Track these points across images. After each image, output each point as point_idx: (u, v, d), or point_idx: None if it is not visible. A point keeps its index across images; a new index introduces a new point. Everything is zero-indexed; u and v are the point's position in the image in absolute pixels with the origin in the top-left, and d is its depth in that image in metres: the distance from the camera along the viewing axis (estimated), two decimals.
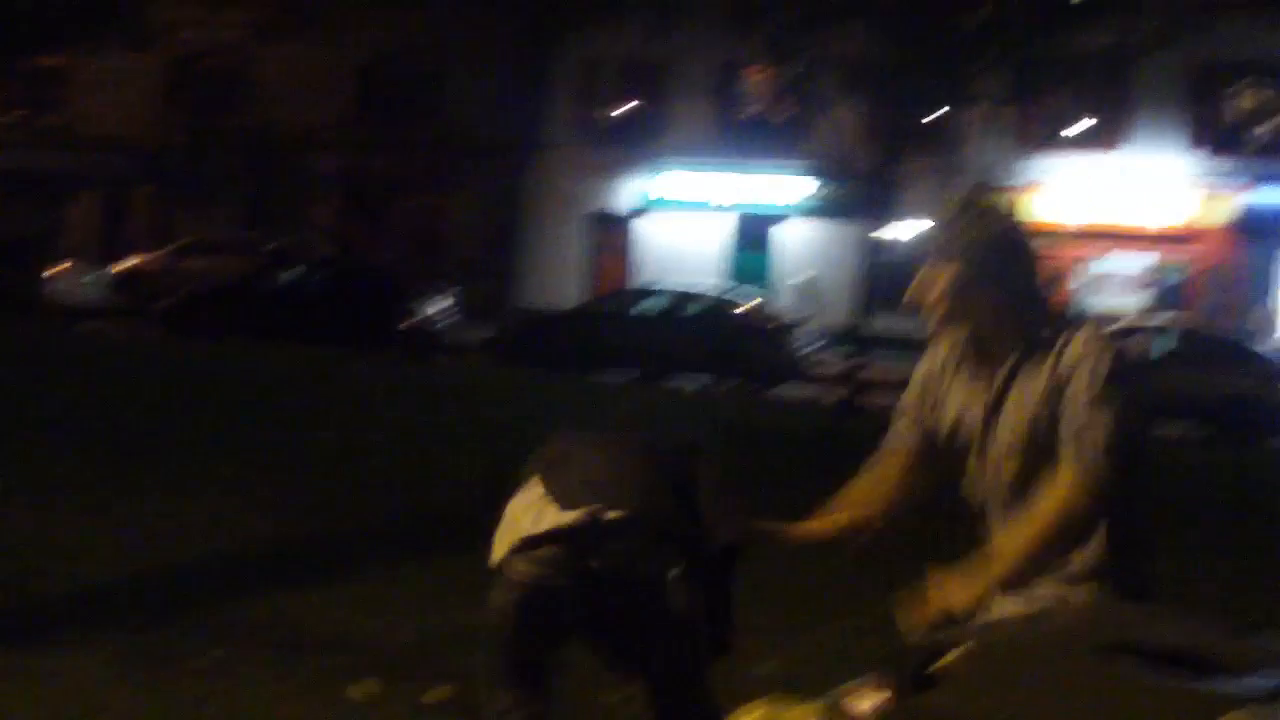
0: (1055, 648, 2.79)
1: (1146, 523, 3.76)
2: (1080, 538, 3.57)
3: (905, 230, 33.86)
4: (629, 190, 39.31)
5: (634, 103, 39.65)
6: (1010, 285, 3.68)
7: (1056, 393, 3.62)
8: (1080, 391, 3.59)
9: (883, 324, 31.29)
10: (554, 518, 3.87)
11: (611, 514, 3.82)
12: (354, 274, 29.60)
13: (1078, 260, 34.03)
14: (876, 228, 25.56)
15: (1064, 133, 35.61)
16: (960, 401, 3.82)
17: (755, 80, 37.17)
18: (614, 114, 39.98)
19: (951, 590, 3.46)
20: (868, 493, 4.02)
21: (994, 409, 3.73)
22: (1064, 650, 2.78)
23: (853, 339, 24.40)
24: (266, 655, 6.36)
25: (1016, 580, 3.50)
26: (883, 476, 4.03)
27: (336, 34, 38.57)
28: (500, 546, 4.00)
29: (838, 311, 30.05)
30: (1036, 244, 3.76)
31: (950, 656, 2.77)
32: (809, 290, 36.23)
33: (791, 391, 24.78)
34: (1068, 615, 3.13)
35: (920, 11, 22.13)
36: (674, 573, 3.84)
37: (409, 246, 38.81)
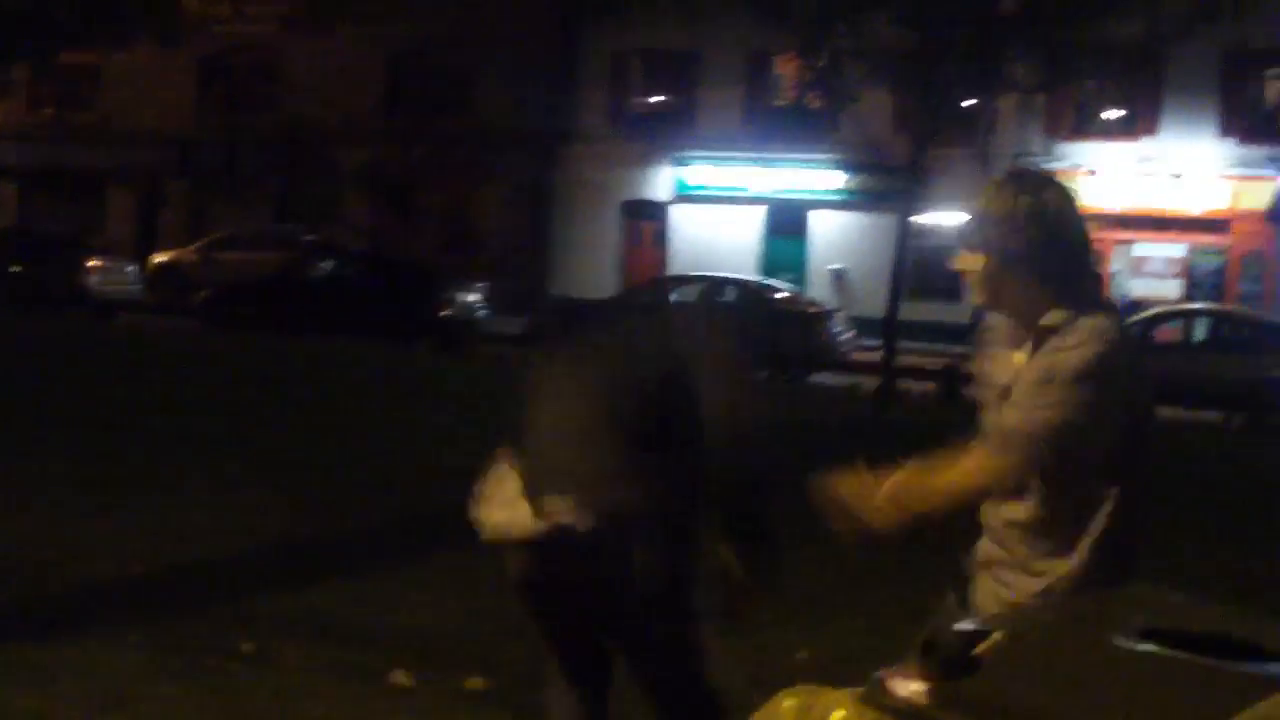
0: (1092, 632, 2.80)
1: (1131, 531, 3.68)
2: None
3: (939, 218, 33.82)
4: (661, 180, 39.32)
5: (664, 94, 39.67)
6: (1043, 271, 3.60)
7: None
8: (1034, 382, 3.55)
9: (917, 312, 31.30)
10: (524, 524, 3.92)
11: (578, 524, 3.84)
12: (388, 266, 29.67)
13: (1113, 246, 33.90)
14: (909, 216, 25.50)
15: (1096, 120, 35.47)
16: (988, 390, 3.79)
17: (785, 69, 37.10)
18: (645, 104, 40.00)
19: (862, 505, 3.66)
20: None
21: (1002, 401, 3.68)
22: (1101, 634, 2.79)
23: (887, 327, 24.35)
24: (300, 647, 6.38)
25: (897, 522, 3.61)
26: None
27: (366, 27, 38.69)
28: (486, 525, 4.07)
29: (872, 300, 29.99)
30: (1078, 224, 3.68)
31: (988, 642, 2.78)
32: (839, 280, 36.21)
33: (827, 380, 24.78)
34: (1102, 600, 3.14)
35: None
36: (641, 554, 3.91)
37: (439, 239, 38.88)
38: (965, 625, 2.85)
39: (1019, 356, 3.68)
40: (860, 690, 2.76)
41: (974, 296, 3.75)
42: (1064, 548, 3.59)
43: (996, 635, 2.79)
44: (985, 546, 3.76)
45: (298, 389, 16.45)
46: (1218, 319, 26.08)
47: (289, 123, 39.72)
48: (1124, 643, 2.75)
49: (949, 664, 2.72)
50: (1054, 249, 3.60)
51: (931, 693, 2.68)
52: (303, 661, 6.23)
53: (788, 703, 2.81)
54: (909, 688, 2.71)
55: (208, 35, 38.60)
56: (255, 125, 40.44)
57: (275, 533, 8.81)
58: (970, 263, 3.67)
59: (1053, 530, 3.60)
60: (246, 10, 41.23)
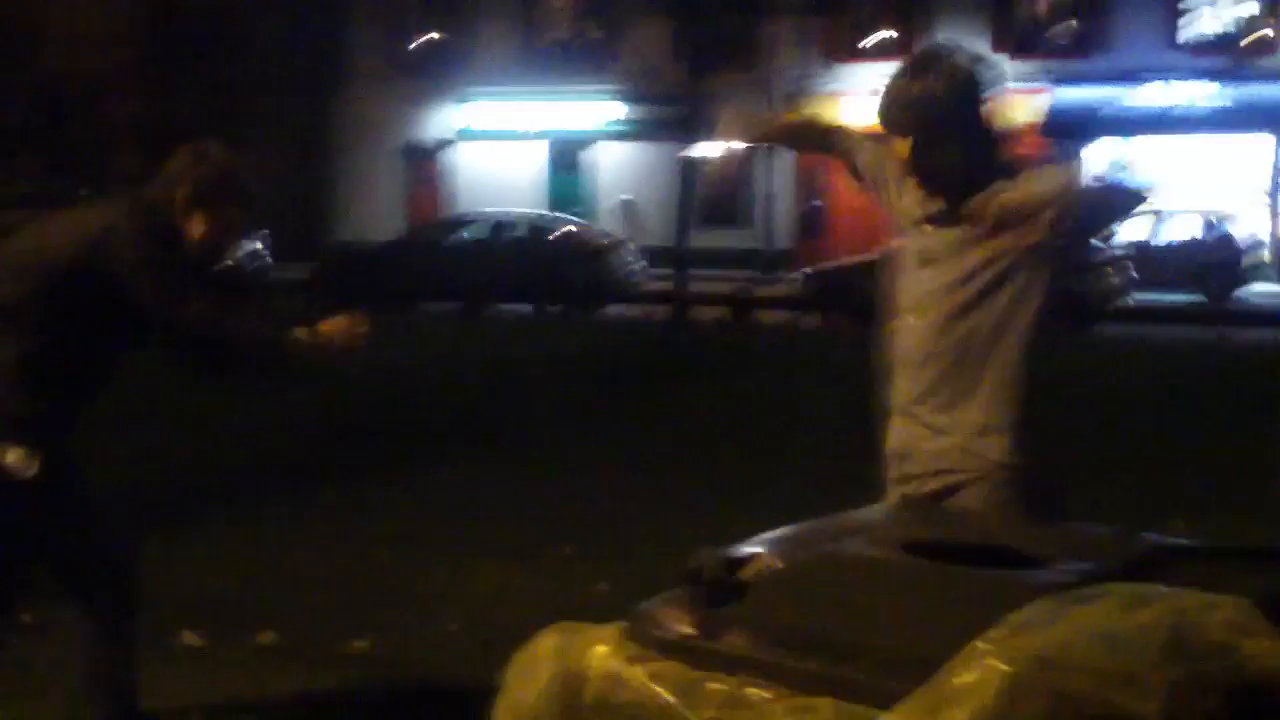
0: (853, 548, 2.82)
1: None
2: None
3: (717, 147, 34.00)
4: (439, 120, 38.93)
5: (440, 31, 39.22)
6: (966, 149, 3.66)
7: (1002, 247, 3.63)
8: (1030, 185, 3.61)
9: (704, 239, 31.50)
10: None
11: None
12: None
13: None
14: (689, 146, 25.60)
15: (866, 42, 35.85)
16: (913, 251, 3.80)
17: (559, 2, 36.93)
18: (419, 43, 39.49)
19: None
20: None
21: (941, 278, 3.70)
22: (862, 550, 2.80)
23: (673, 257, 24.48)
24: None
25: None
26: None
27: None
28: None
29: (659, 230, 30.11)
30: (986, 101, 3.71)
31: (751, 567, 2.77)
32: (627, 211, 36.27)
33: (616, 313, 24.83)
34: (864, 518, 3.15)
35: None
36: None
37: None
38: (729, 551, 2.83)
39: (930, 229, 3.75)
40: (623, 624, 2.72)
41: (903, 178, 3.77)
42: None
43: (759, 558, 2.78)
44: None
45: None
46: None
47: (51, 77, 38.53)
48: (886, 556, 2.76)
49: (714, 591, 2.70)
50: (971, 125, 3.66)
51: (697, 622, 2.66)
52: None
53: (547, 641, 2.75)
54: (674, 618, 2.68)
55: None
56: (16, 81, 39.14)
57: None
58: (896, 147, 3.69)
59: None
60: None
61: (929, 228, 3.76)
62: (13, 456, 4.23)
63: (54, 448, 4.34)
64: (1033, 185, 3.63)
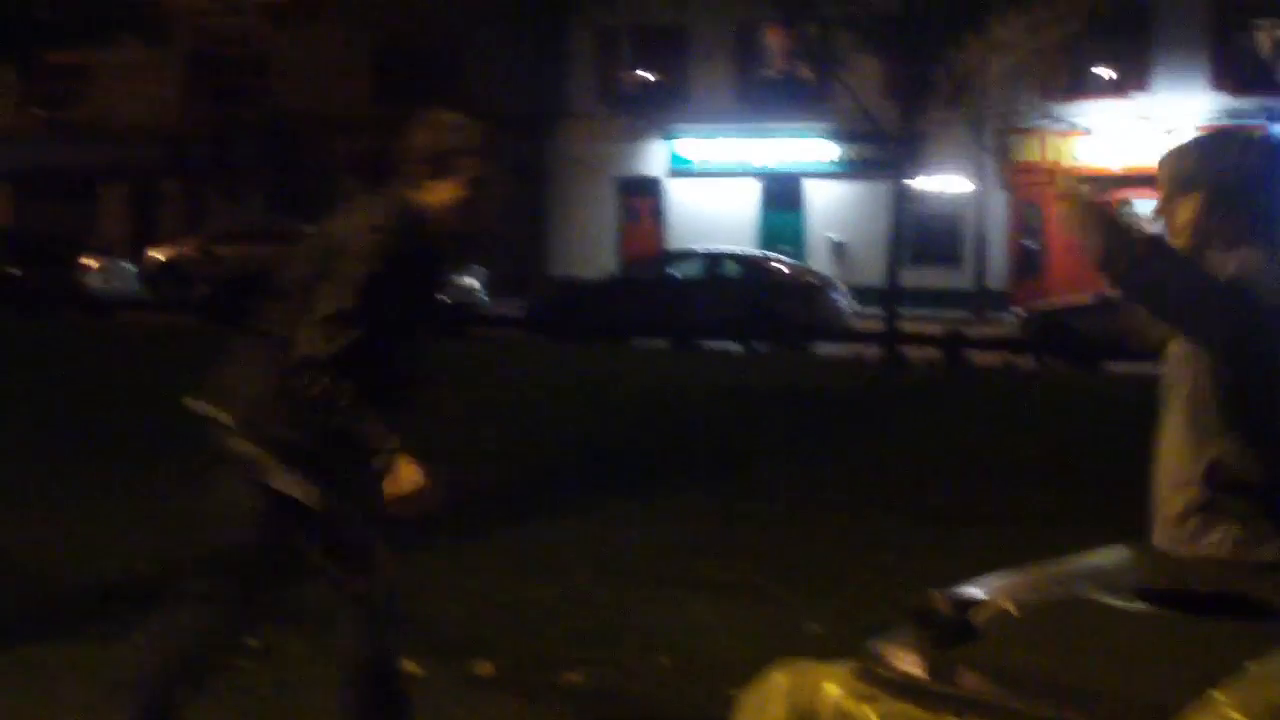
0: (1086, 594, 2.77)
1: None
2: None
3: (934, 184, 33.71)
4: (655, 156, 39.20)
5: (654, 69, 39.52)
6: (1256, 214, 3.49)
7: None
8: None
9: (915, 278, 31.25)
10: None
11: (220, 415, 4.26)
12: None
13: (1117, 205, 33.69)
14: (904, 183, 25.42)
15: (1088, 79, 35.29)
16: None
17: (774, 40, 36.99)
18: (635, 79, 39.83)
19: None
20: None
21: None
22: (1096, 596, 2.76)
23: (888, 295, 24.31)
24: (305, 639, 6.32)
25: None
26: None
27: (350, 15, 38.59)
28: None
29: (870, 268, 29.94)
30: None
31: (985, 609, 2.75)
32: (837, 251, 36.12)
33: (829, 350, 24.70)
34: (1095, 563, 3.10)
35: None
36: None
37: None
38: (958, 592, 2.81)
39: None
40: (855, 664, 2.71)
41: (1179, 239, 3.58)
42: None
43: (991, 601, 2.76)
44: None
45: None
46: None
47: (279, 114, 39.61)
48: (1122, 603, 2.72)
49: (945, 632, 2.68)
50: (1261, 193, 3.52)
51: (929, 663, 2.65)
52: (308, 653, 6.16)
53: (779, 677, 2.76)
54: (904, 658, 2.67)
55: (194, 30, 38.50)
56: (246, 118, 40.32)
57: None
58: (1175, 206, 3.60)
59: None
60: (232, 2, 41.17)
61: None
62: (300, 491, 4.29)
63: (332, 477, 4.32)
64: None
